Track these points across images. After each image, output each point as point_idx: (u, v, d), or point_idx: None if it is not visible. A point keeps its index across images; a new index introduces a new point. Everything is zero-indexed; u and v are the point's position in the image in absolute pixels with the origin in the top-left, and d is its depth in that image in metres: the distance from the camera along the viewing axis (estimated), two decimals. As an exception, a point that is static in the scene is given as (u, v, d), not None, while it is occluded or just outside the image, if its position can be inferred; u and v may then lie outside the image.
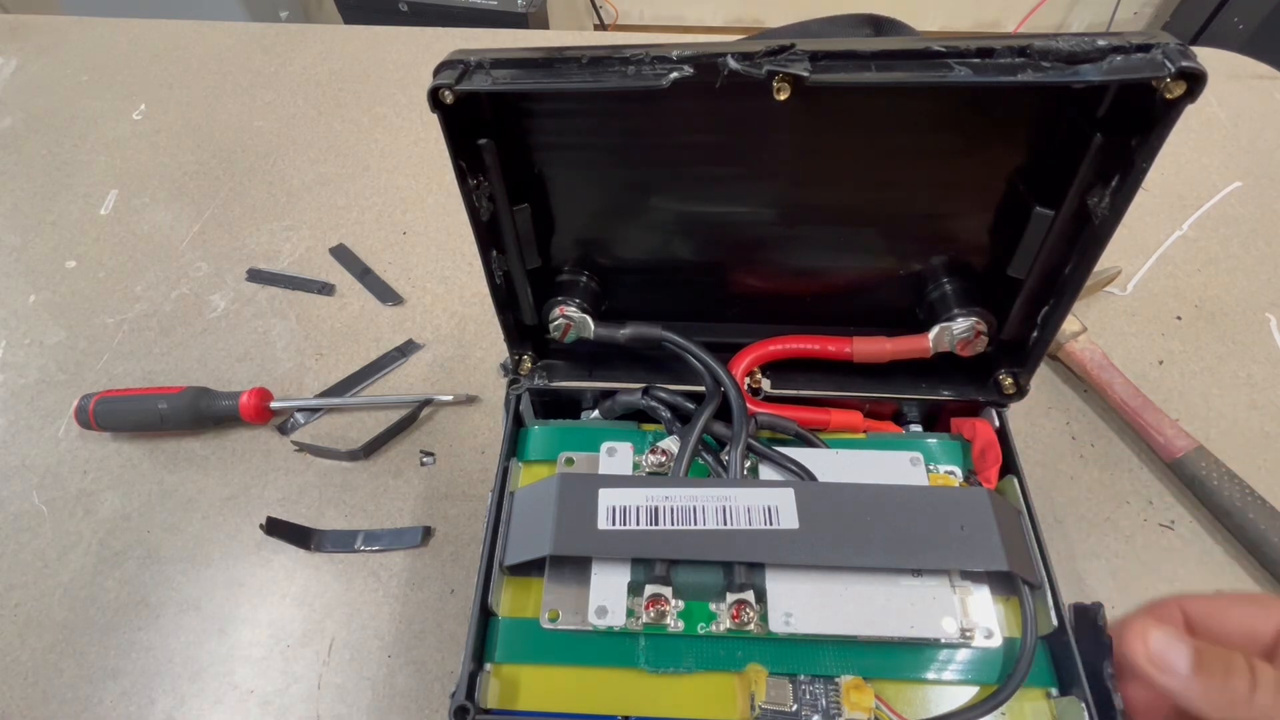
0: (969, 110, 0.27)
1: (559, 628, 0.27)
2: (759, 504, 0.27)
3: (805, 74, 0.22)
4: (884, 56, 0.22)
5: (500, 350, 0.36)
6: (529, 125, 0.29)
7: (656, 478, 0.30)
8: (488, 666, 0.27)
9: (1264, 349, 0.56)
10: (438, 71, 0.25)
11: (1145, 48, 0.21)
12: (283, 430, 0.53)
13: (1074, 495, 0.48)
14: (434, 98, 0.25)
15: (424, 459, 0.51)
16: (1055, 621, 0.27)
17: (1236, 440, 0.49)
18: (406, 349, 0.57)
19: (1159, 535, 0.46)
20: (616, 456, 0.31)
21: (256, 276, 0.62)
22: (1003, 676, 0.27)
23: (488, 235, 0.31)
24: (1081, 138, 0.25)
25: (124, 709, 0.43)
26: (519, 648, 0.28)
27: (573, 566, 0.28)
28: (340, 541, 0.48)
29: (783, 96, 0.23)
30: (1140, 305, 0.58)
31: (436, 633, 0.44)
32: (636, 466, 0.31)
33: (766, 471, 0.30)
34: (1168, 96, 0.21)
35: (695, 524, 0.27)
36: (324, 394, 0.55)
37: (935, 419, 0.37)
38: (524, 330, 0.36)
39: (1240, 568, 0.44)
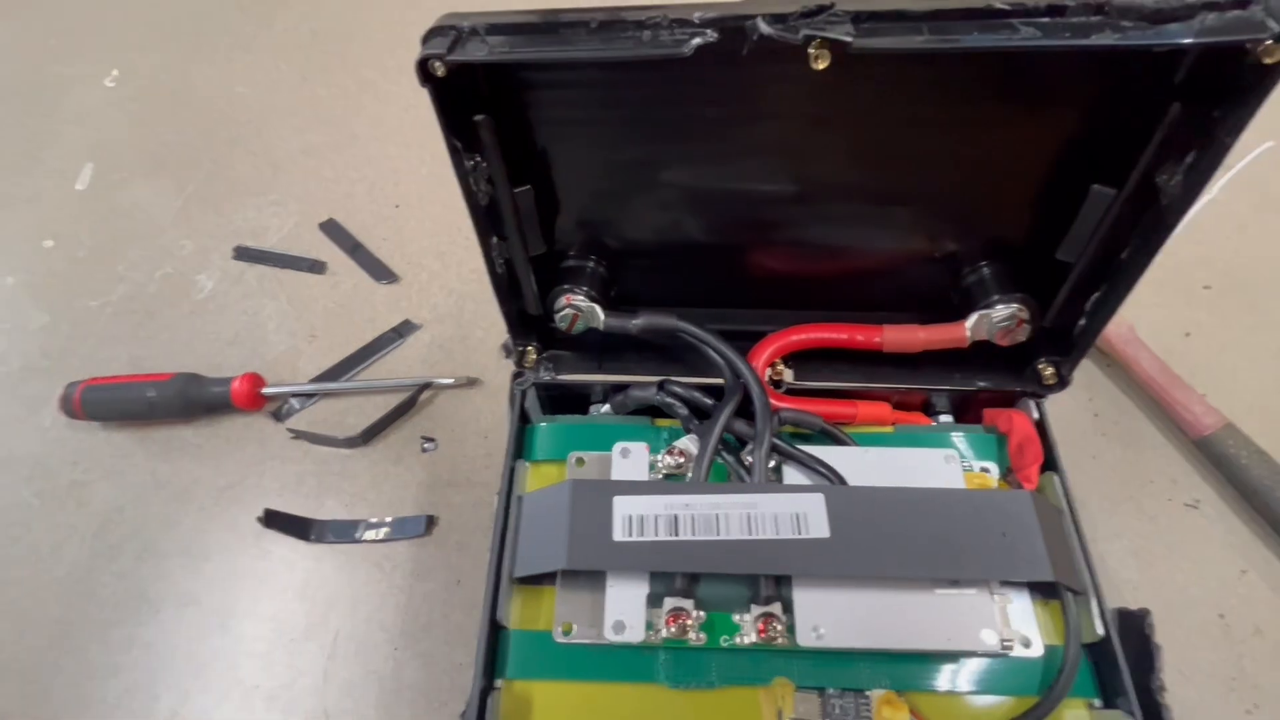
0: (1024, 75, 0.24)
1: (573, 641, 0.26)
2: (787, 511, 0.25)
3: (848, 39, 0.19)
4: (938, 17, 0.19)
5: (502, 330, 0.34)
6: (530, 98, 0.26)
7: (674, 482, 0.28)
8: (499, 683, 0.26)
9: (1295, 320, 0.53)
10: (427, 39, 0.22)
11: (1242, 3, 0.18)
12: (277, 417, 0.51)
13: (1096, 474, 0.47)
14: (423, 70, 0.22)
15: (425, 445, 0.49)
16: (1101, 630, 0.26)
17: (1264, 415, 0.47)
18: (403, 329, 0.55)
19: (1183, 515, 0.45)
20: (630, 458, 0.29)
21: (244, 254, 0.59)
22: (1043, 687, 0.25)
23: (487, 220, 0.28)
24: (1154, 107, 0.23)
25: (128, 706, 0.42)
26: (531, 663, 0.26)
27: (587, 575, 0.27)
28: (341, 532, 0.47)
29: (822, 66, 0.20)
30: (1166, 274, 0.56)
31: (444, 625, 0.43)
32: (652, 467, 0.29)
33: (791, 474, 0.28)
34: (1265, 61, 0.19)
35: (718, 534, 0.25)
36: (319, 378, 0.53)
37: (965, 407, 0.35)
38: (528, 320, 0.33)
39: (1267, 548, 0.43)
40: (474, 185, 0.27)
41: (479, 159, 0.26)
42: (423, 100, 0.24)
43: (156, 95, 0.72)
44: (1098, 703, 0.25)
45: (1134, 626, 0.25)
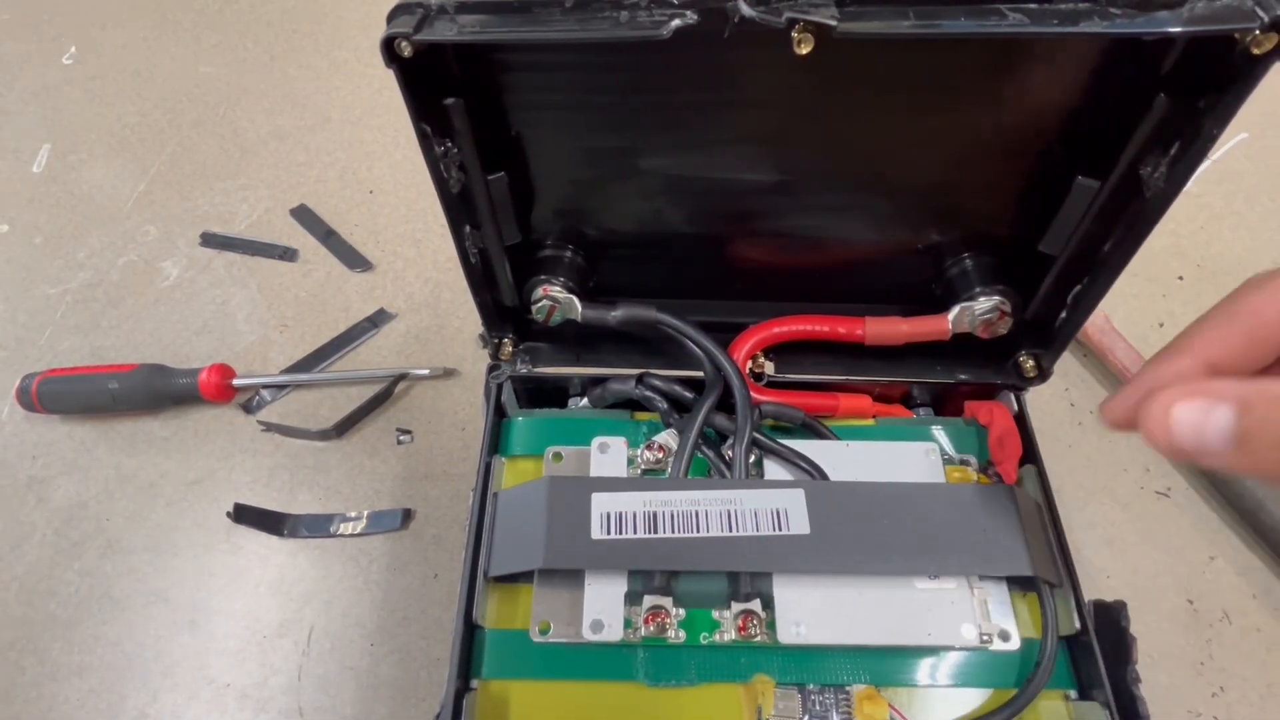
0: (1009, 64, 0.24)
1: (550, 640, 0.25)
2: (767, 507, 0.25)
3: (832, 23, 0.19)
4: (925, 2, 0.19)
5: (479, 319, 0.33)
6: (504, 81, 0.25)
7: (653, 478, 0.28)
8: (474, 684, 0.25)
9: (1266, 310, 0.54)
10: (392, 16, 0.21)
11: (1231, -9, 0.18)
12: (248, 409, 0.50)
13: (1072, 463, 0.47)
14: (389, 49, 0.21)
15: (400, 437, 0.48)
16: (1077, 623, 0.26)
17: (1237, 406, 0.48)
18: (378, 319, 0.53)
19: (1155, 503, 0.46)
20: (609, 454, 0.28)
21: (211, 241, 0.58)
22: (1020, 680, 0.25)
23: (459, 209, 0.27)
24: (1140, 98, 0.22)
25: (93, 706, 0.41)
26: (507, 662, 0.26)
27: (564, 573, 0.26)
28: (315, 526, 0.46)
29: (805, 50, 0.20)
30: (1141, 265, 0.56)
31: (421, 619, 0.42)
32: (631, 463, 0.29)
33: (772, 468, 0.28)
34: (1254, 51, 0.18)
35: (698, 531, 0.24)
36: (291, 369, 0.51)
37: (946, 399, 0.34)
38: (504, 312, 0.33)
39: (1235, 535, 0.44)
40: (445, 172, 0.26)
41: (450, 144, 0.25)
42: (396, 82, 0.23)
43: (117, 74, 0.69)
44: (1074, 694, 0.26)
45: (1110, 618, 0.26)
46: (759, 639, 0.25)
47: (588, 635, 0.25)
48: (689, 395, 0.29)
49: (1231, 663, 0.40)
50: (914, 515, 0.25)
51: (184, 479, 0.48)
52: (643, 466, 0.28)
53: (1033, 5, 0.19)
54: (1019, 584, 0.27)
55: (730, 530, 0.24)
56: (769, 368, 0.32)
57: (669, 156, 0.28)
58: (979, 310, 0.29)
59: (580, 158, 0.28)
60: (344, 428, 0.48)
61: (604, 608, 0.25)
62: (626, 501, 0.25)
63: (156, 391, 0.48)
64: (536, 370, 0.33)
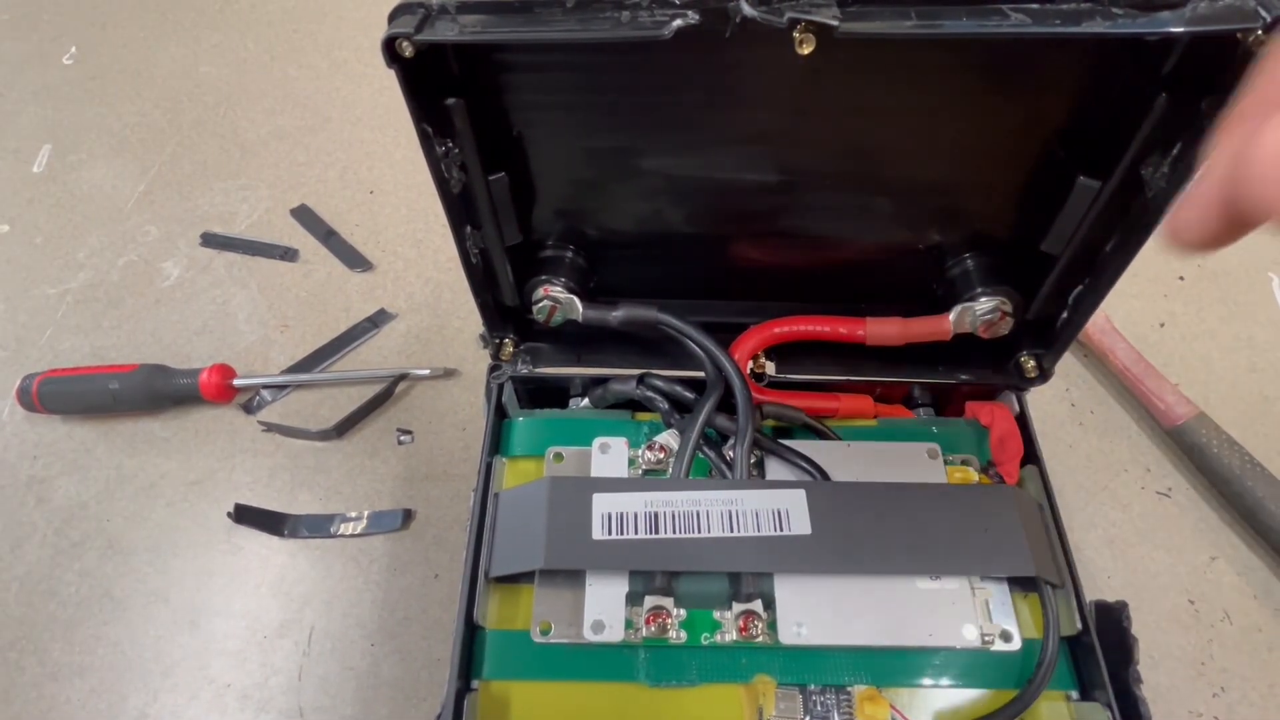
0: (1010, 64, 0.24)
1: (552, 641, 0.25)
2: (768, 507, 0.25)
3: (834, 23, 0.19)
4: (928, 2, 0.19)
5: (479, 319, 0.33)
6: (505, 81, 0.25)
7: (655, 478, 0.28)
8: (475, 684, 0.25)
9: (1266, 310, 0.54)
10: (393, 17, 0.21)
11: (1234, -9, 0.18)
12: (248, 409, 0.50)
13: (1072, 464, 0.47)
14: (390, 50, 0.21)
15: (401, 437, 0.48)
16: (1079, 624, 0.26)
17: (1235, 404, 0.48)
18: (378, 319, 0.53)
19: (1156, 503, 0.46)
20: (610, 454, 0.28)
21: (212, 241, 0.58)
22: (1022, 681, 0.25)
23: (460, 209, 0.27)
24: (1141, 98, 0.22)
25: (94, 706, 0.41)
26: (508, 663, 0.26)
27: (565, 574, 0.26)
28: (315, 526, 0.46)
29: (806, 50, 0.20)
30: (1142, 265, 0.56)
31: (421, 619, 0.42)
32: (632, 463, 0.29)
33: (774, 468, 0.28)
34: (1257, 52, 0.18)
35: (699, 531, 0.24)
36: (291, 369, 0.51)
37: (947, 399, 0.34)
38: (505, 312, 0.33)
39: (1235, 535, 0.44)
40: (446, 172, 0.26)
41: (451, 144, 0.25)
42: (397, 82, 0.23)
43: (118, 74, 0.69)
44: (1075, 695, 0.26)
45: (1111, 619, 0.26)
46: (760, 639, 0.25)
47: (589, 636, 0.25)
48: (690, 395, 0.29)
49: (1232, 663, 0.40)
50: (915, 516, 0.25)
51: (184, 479, 0.48)
52: (644, 467, 0.28)
53: (1034, 5, 0.19)
54: (1020, 584, 0.27)
55: (731, 531, 0.24)
56: (770, 368, 0.32)
57: (670, 156, 0.28)
58: (980, 310, 0.29)
59: (581, 158, 0.28)
60: (344, 428, 0.48)
61: (605, 608, 0.25)
62: (627, 502, 0.25)
63: (157, 392, 0.48)
64: (537, 371, 0.33)
